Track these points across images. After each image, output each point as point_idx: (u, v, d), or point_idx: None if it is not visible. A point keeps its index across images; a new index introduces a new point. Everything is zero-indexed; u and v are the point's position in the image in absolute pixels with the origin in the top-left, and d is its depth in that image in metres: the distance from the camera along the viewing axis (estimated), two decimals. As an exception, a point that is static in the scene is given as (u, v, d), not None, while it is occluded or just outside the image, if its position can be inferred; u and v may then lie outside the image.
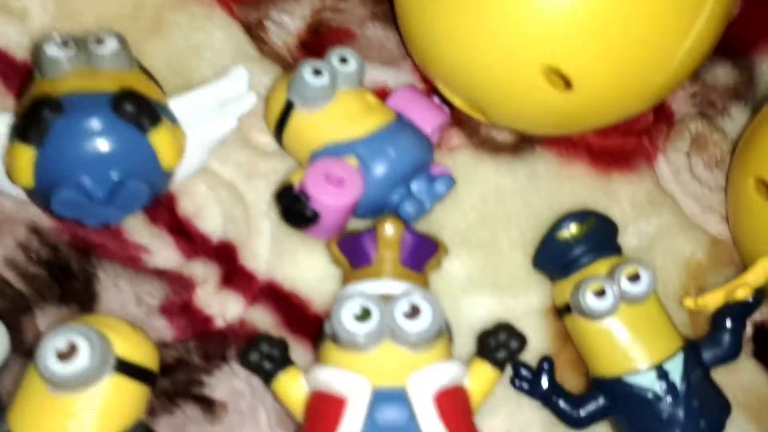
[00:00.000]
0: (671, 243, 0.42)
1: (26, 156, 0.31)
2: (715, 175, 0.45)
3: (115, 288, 0.36)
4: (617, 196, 0.43)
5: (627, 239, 0.42)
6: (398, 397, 0.30)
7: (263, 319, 0.37)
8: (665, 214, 0.43)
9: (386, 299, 0.31)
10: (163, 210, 0.38)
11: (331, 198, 0.34)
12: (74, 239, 0.37)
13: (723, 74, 0.47)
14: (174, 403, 0.35)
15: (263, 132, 0.40)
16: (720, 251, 0.43)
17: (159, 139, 0.33)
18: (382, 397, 0.30)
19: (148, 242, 0.38)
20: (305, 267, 0.38)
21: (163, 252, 0.38)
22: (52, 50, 0.33)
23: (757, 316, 0.42)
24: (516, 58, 0.33)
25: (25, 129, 0.31)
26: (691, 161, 0.45)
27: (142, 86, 0.34)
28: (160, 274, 0.37)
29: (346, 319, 0.31)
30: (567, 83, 0.33)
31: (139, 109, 0.32)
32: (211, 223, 0.38)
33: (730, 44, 0.47)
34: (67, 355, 0.28)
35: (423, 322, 0.30)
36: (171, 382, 0.36)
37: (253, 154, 0.40)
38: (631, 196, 0.43)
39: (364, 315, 0.31)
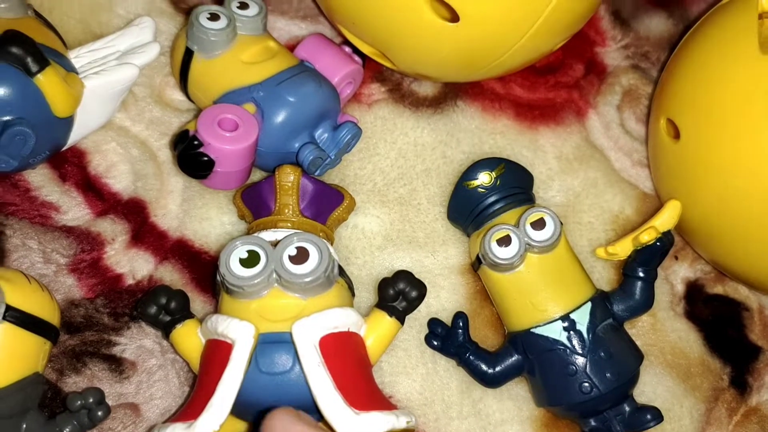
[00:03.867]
0: (598, 199, 0.42)
1: None
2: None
3: (23, 246, 0.36)
4: (543, 150, 0.42)
5: (553, 194, 0.41)
6: (282, 342, 0.30)
7: (172, 276, 0.37)
8: (593, 169, 0.42)
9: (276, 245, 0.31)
10: (74, 168, 0.38)
11: (223, 142, 0.33)
12: (-18, 197, 0.37)
13: (657, 25, 0.46)
14: (82, 362, 0.35)
15: (177, 89, 0.40)
16: (650, 207, 0.42)
17: (48, 84, 0.32)
18: (267, 343, 0.30)
19: (58, 200, 0.37)
20: (216, 224, 0.38)
21: (74, 210, 0.37)
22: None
23: (690, 273, 0.41)
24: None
25: None
26: (623, 115, 0.44)
27: (33, 33, 0.33)
28: (69, 232, 0.37)
29: (233, 263, 0.30)
30: (454, 15, 0.32)
31: (24, 51, 0.31)
32: (122, 181, 0.38)
33: (662, -6, 0.46)
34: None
35: (309, 265, 0.30)
36: (80, 341, 0.35)
37: (167, 112, 0.40)
38: (558, 150, 0.42)
39: (251, 259, 0.30)
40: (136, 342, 0.36)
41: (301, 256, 0.30)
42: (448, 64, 0.36)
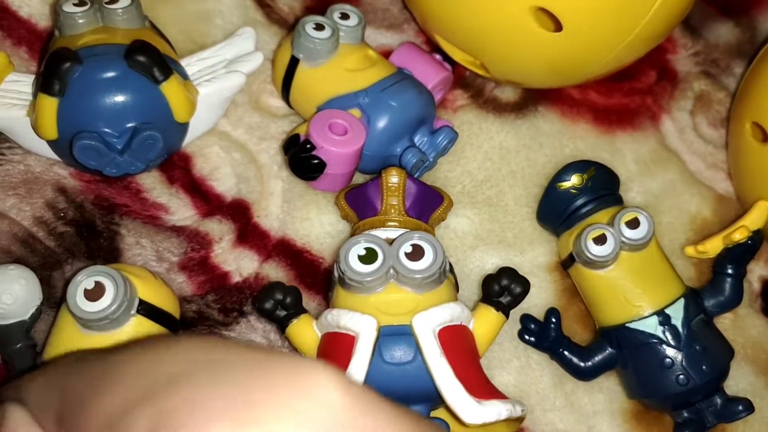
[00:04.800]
0: (677, 200, 0.43)
1: (49, 107, 0.33)
2: (720, 133, 0.45)
3: (137, 245, 0.38)
4: (621, 153, 0.44)
5: (632, 196, 0.43)
6: (402, 335, 0.31)
7: (277, 274, 0.39)
8: (670, 172, 0.44)
9: (391, 243, 0.33)
10: (180, 171, 0.40)
11: (334, 145, 0.35)
12: (98, 198, 0.38)
13: (725, 33, 0.48)
14: (193, 354, 0.37)
15: (273, 96, 0.42)
16: (725, 208, 0.43)
17: (171, 91, 0.34)
18: (387, 335, 0.31)
19: (167, 201, 0.39)
20: (316, 224, 0.40)
21: (181, 211, 0.39)
22: (69, 8, 0.35)
23: (765, 272, 0.43)
24: (505, 1, 0.34)
25: (47, 81, 0.33)
26: (695, 120, 0.46)
27: (154, 42, 0.35)
28: (179, 232, 0.39)
29: (352, 260, 0.32)
30: (557, 25, 0.34)
31: (151, 61, 0.33)
32: (225, 183, 0.40)
33: (732, 3, 0.48)
34: (94, 294, 0.30)
35: (425, 262, 0.32)
36: (192, 335, 0.37)
37: (264, 118, 0.42)
38: (635, 153, 0.44)
39: (369, 256, 0.32)
40: (245, 336, 0.37)
41: (416, 253, 0.32)
42: (545, 72, 0.38)
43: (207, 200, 0.40)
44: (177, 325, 0.35)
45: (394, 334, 0.31)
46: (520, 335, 0.38)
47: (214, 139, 0.41)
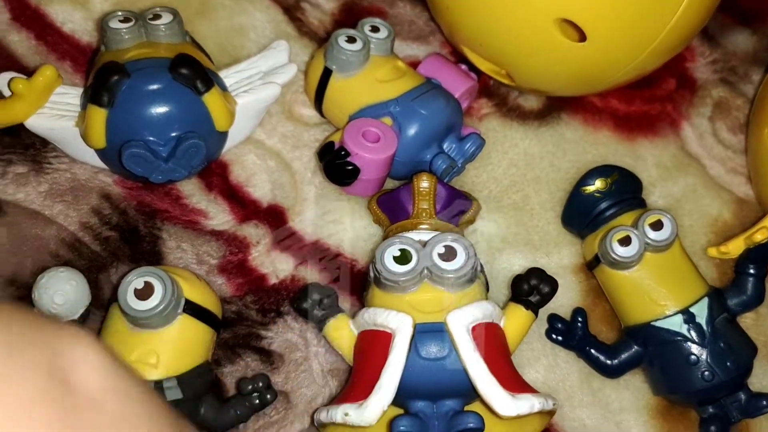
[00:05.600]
0: (698, 204, 0.44)
1: (99, 118, 0.35)
2: (739, 138, 0.47)
3: (178, 248, 0.40)
4: (643, 159, 0.45)
5: (654, 200, 0.44)
6: (437, 332, 0.33)
7: (311, 276, 0.40)
8: (691, 176, 0.45)
9: (424, 245, 0.34)
10: (218, 178, 0.42)
11: (368, 152, 0.36)
12: (141, 204, 0.40)
13: (743, 41, 0.49)
14: (236, 354, 0.38)
15: (305, 106, 0.44)
16: (745, 211, 0.44)
17: (212, 102, 0.36)
18: (423, 332, 0.33)
19: (206, 207, 0.41)
20: (348, 227, 0.41)
21: (219, 216, 0.41)
22: (116, 24, 0.37)
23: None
24: (531, 13, 0.35)
25: (97, 93, 0.35)
26: (715, 126, 0.47)
27: (195, 56, 0.37)
28: (218, 236, 0.40)
29: (387, 260, 0.33)
30: (582, 36, 0.35)
31: (194, 73, 0.35)
32: (261, 189, 0.42)
33: (749, 11, 0.49)
34: (144, 293, 0.32)
35: (458, 262, 0.33)
36: (232, 334, 0.39)
37: (297, 126, 0.43)
38: (656, 159, 0.45)
39: (404, 257, 0.33)
40: (282, 336, 0.39)
41: (449, 254, 0.34)
42: (569, 81, 0.40)
43: (244, 206, 0.41)
44: (220, 324, 0.36)
45: (429, 331, 0.33)
46: (548, 334, 0.39)
47: (249, 148, 0.42)
